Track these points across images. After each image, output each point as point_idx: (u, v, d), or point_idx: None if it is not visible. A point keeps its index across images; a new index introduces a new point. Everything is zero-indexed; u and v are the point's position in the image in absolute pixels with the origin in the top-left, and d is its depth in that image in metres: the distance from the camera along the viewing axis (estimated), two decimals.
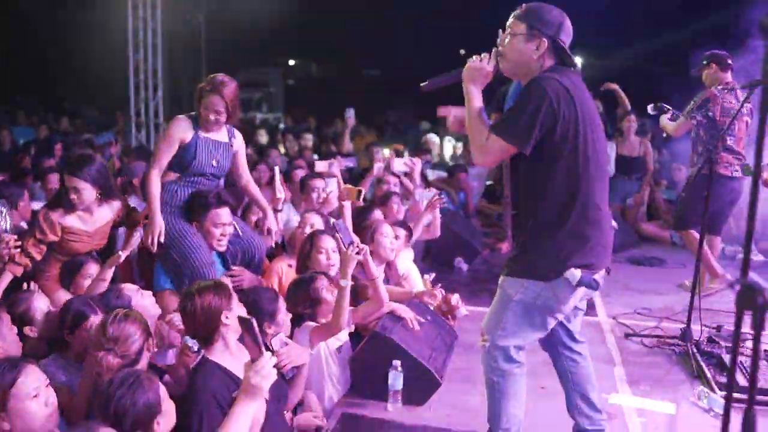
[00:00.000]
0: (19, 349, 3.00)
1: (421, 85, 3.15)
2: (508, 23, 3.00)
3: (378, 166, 6.46)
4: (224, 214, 4.30)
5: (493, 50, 3.00)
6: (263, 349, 2.40)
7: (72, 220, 4.07)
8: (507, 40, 2.97)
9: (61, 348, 3.23)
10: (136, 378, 2.47)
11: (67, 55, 16.52)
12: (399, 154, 8.22)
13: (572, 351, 3.30)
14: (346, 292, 3.65)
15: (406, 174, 6.70)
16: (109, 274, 3.77)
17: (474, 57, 3.00)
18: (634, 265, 7.16)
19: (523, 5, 2.97)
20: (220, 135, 4.38)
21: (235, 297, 3.00)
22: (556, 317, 3.04)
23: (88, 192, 4.03)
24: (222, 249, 4.39)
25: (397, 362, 3.78)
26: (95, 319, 3.18)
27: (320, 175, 6.07)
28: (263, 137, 10.55)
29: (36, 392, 2.41)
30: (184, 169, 4.27)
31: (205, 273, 4.18)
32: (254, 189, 4.71)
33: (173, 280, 4.29)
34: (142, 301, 3.43)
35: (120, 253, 3.85)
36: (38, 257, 3.97)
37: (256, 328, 2.40)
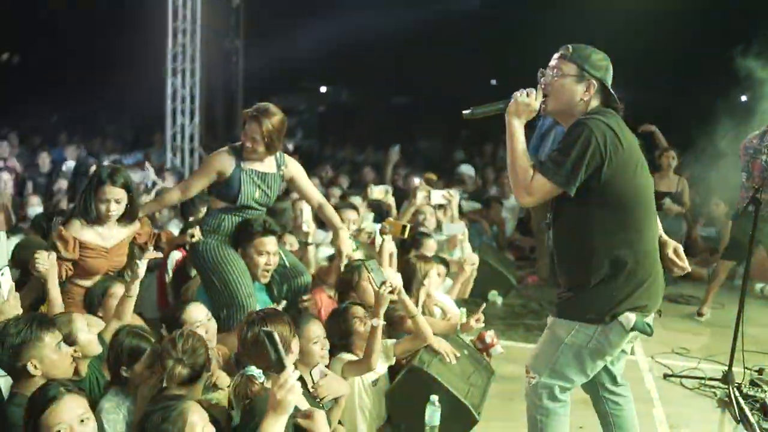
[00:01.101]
0: (70, 373, 2.95)
1: (464, 112, 3.06)
2: (553, 62, 2.96)
3: (421, 196, 6.38)
4: (270, 242, 4.25)
5: (538, 87, 2.96)
6: (285, 362, 2.35)
7: (89, 235, 3.93)
8: (556, 81, 2.93)
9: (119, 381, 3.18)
10: (171, 410, 2.44)
11: (104, 77, 16.79)
12: (430, 183, 8.17)
13: (614, 394, 3.26)
14: (379, 332, 3.63)
15: (441, 206, 6.67)
16: (135, 289, 3.62)
17: (521, 91, 2.93)
18: (671, 303, 7.06)
19: (569, 46, 2.94)
20: (266, 165, 4.30)
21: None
22: (605, 360, 3.02)
23: (125, 202, 3.98)
24: (265, 281, 4.33)
25: (434, 397, 3.74)
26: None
27: (354, 206, 6.06)
28: None
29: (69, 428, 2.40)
30: (231, 202, 4.25)
31: (245, 303, 4.14)
32: (328, 210, 4.54)
33: (211, 305, 4.16)
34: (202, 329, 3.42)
35: (137, 262, 3.61)
36: (68, 272, 3.88)
37: (279, 342, 2.36)
